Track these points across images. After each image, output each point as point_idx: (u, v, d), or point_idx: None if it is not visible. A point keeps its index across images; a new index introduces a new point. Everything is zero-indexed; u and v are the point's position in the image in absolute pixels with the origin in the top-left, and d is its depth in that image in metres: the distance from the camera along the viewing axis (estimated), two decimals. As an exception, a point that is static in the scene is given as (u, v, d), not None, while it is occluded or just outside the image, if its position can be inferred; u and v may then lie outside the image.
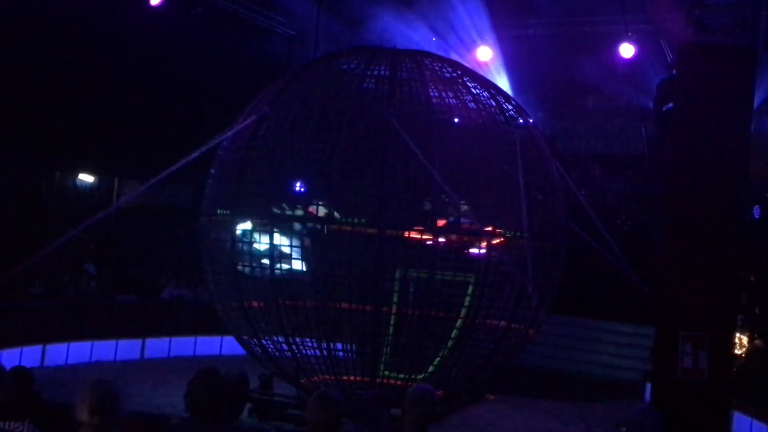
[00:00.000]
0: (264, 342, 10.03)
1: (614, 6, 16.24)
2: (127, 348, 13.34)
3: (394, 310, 10.13)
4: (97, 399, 3.51)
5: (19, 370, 5.71)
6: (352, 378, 10.06)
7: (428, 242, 9.89)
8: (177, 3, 15.32)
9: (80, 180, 16.88)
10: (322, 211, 10.02)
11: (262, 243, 9.82)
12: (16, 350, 11.59)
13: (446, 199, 9.84)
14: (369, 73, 10.48)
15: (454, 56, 15.08)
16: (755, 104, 8.65)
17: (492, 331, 10.08)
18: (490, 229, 9.80)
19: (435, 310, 9.93)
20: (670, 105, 13.18)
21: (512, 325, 10.06)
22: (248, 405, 10.04)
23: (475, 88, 10.59)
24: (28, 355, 11.74)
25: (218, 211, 10.17)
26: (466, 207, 9.98)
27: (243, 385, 9.87)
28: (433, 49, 14.43)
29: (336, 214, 9.88)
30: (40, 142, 14.66)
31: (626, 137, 17.55)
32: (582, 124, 18.09)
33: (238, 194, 9.93)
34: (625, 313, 14.07)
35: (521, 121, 10.72)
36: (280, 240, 10.03)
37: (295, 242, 9.97)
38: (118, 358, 13.13)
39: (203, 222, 10.37)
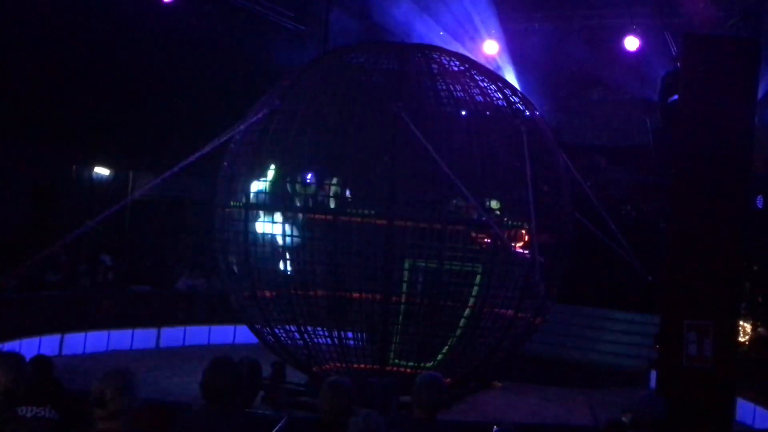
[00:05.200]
0: (276, 331, 10.22)
1: (619, -1, 16.36)
2: (143, 337, 13.52)
3: (403, 299, 10.27)
4: (98, 392, 3.55)
5: (39, 358, 5.86)
6: (362, 366, 10.24)
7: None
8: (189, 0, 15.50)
9: (96, 173, 17.11)
10: (332, 203, 10.19)
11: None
12: (35, 339, 11.80)
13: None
14: (378, 67, 10.63)
15: (461, 50, 15.20)
16: (759, 96, 8.73)
17: (499, 320, 10.22)
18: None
19: (443, 300, 10.10)
20: (675, 97, 13.32)
21: (519, 314, 10.22)
22: (261, 392, 10.23)
23: (482, 81, 10.70)
24: (47, 344, 11.93)
25: (231, 203, 10.37)
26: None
27: (256, 373, 10.06)
28: (441, 43, 14.57)
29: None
30: (57, 137, 14.85)
31: (631, 129, 17.60)
32: (587, 116, 18.15)
33: (250, 186, 10.13)
34: (630, 302, 14.17)
35: (528, 113, 10.84)
36: (292, 230, 10.21)
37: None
38: (134, 347, 13.29)
39: (217, 213, 10.57)
